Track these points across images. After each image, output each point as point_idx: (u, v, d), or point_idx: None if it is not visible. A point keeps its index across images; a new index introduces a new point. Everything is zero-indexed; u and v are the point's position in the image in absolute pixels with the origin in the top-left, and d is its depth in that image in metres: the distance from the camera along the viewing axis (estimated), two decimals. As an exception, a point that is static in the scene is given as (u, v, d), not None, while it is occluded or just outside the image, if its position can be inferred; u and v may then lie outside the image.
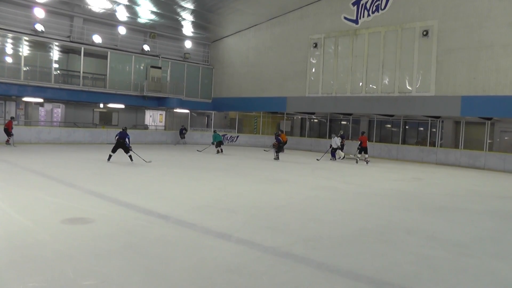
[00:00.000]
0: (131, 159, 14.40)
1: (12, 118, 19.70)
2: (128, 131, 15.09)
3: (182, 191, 9.76)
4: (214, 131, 22.41)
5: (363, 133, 19.71)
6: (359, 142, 18.83)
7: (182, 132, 26.14)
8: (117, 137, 14.48)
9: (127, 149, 14.42)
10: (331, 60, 23.71)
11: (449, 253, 5.64)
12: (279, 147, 19.22)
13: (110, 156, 14.49)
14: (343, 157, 20.47)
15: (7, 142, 18.88)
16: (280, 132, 20.33)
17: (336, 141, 19.59)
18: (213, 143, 21.24)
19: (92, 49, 24.22)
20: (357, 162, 19.05)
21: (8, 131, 18.82)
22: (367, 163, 18.58)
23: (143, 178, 11.51)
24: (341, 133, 21.64)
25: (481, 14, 18.35)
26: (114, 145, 14.70)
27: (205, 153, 20.62)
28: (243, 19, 26.76)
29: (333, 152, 19.91)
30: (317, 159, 19.64)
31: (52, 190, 8.89)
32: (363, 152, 18.79)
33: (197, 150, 21.19)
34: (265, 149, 22.41)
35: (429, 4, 19.99)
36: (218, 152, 20.64)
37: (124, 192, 9.04)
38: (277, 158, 18.72)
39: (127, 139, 14.32)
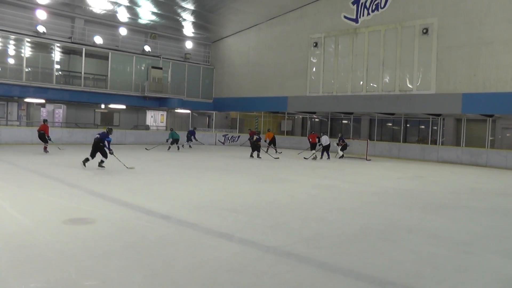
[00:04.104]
0: (101, 164, 12.54)
1: (45, 121, 17.58)
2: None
3: (183, 191, 9.75)
4: (171, 129, 22.97)
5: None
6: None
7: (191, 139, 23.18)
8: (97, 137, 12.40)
9: (105, 153, 12.41)
10: (331, 59, 23.70)
11: (451, 251, 5.62)
12: (254, 145, 18.60)
13: (87, 159, 12.42)
14: (341, 156, 20.40)
15: (45, 149, 16.81)
16: (257, 131, 19.70)
17: (324, 139, 19.35)
18: (167, 140, 21.62)
19: (93, 50, 24.29)
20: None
21: (44, 136, 16.67)
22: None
23: (144, 178, 11.51)
24: (340, 135, 21.46)
25: (481, 10, 18.33)
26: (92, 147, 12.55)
27: (202, 151, 20.62)
28: (243, 19, 26.76)
29: (324, 151, 19.40)
30: (313, 158, 19.36)
31: (53, 190, 8.90)
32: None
33: (146, 148, 21.48)
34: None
35: (429, 2, 19.99)
36: (171, 148, 21.56)
37: (125, 192, 9.04)
38: (258, 157, 18.31)
39: (106, 142, 12.28)
